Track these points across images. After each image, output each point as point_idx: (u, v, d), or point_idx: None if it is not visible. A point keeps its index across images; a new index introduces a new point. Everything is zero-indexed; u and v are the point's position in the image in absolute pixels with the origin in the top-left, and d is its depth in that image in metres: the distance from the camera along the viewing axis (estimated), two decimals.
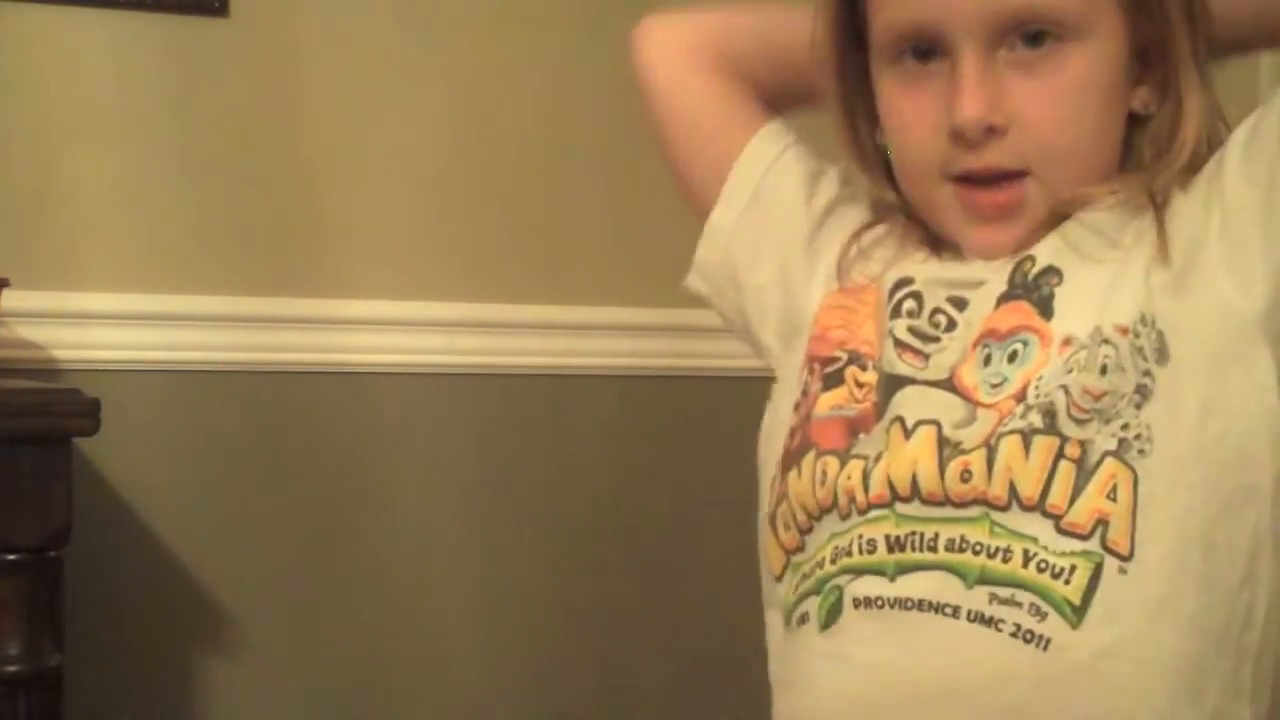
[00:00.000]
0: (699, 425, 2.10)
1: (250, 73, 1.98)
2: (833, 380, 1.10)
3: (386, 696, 2.03)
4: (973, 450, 1.02)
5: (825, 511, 1.07)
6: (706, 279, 1.25)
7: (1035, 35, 1.04)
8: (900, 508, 1.04)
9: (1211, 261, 1.04)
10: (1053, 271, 1.06)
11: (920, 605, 1.02)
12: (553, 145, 2.10)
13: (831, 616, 1.05)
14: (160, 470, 1.94)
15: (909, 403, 1.05)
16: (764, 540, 1.13)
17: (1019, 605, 0.99)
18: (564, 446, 2.10)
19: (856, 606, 1.04)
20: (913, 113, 1.08)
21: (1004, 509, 1.01)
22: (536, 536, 2.09)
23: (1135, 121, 1.10)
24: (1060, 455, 1.01)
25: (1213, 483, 1.02)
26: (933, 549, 1.02)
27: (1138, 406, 1.01)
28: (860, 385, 1.09)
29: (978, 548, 1.01)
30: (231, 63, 1.97)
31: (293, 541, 2.00)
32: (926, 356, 1.07)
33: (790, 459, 1.10)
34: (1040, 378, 1.03)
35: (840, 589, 1.04)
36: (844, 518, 1.06)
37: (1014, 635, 0.99)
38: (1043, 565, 1.00)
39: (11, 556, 1.46)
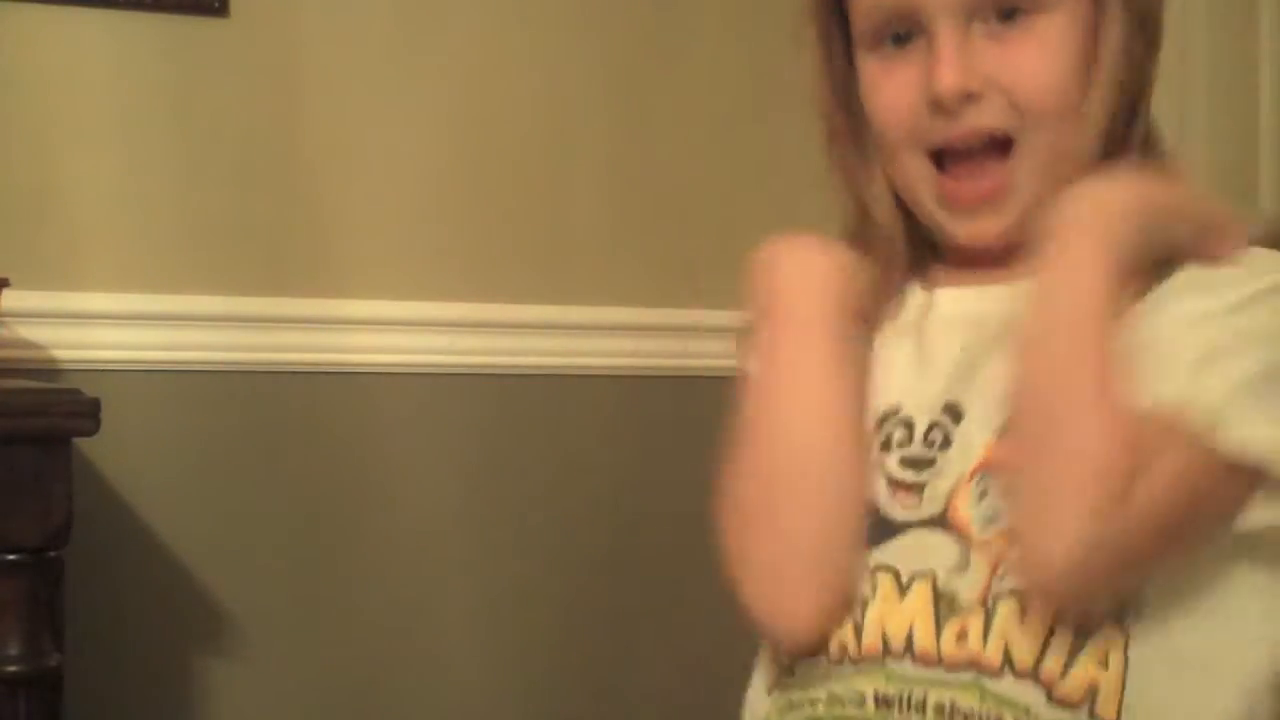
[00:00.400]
0: (699, 425, 2.09)
1: (250, 73, 1.98)
2: None
3: (386, 696, 2.03)
4: (969, 610, 1.01)
5: (813, 653, 1.05)
6: None
7: (1008, 11, 1.05)
8: (891, 664, 1.02)
9: None
10: None
11: None
12: (553, 145, 2.10)
13: None
14: (160, 470, 1.94)
15: (904, 554, 1.03)
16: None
17: None
18: (564, 446, 2.10)
19: None
20: (892, 90, 1.08)
21: (996, 675, 0.99)
22: (536, 536, 2.09)
23: None
24: (1056, 619, 0.99)
25: (1196, 645, 1.01)
26: (920, 711, 1.00)
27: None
28: None
29: (968, 713, 0.99)
30: (231, 63, 1.97)
31: (292, 541, 2.00)
32: (921, 488, 1.04)
33: None
34: None
35: None
36: (835, 663, 1.04)
37: None
38: None
39: (11, 556, 1.46)
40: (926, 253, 1.14)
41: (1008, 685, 0.99)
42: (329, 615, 2.01)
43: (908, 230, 1.13)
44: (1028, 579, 0.99)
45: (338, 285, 2.01)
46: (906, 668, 1.02)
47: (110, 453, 1.82)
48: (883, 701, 1.02)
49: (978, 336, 1.06)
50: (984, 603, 1.01)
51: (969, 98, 1.05)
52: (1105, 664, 0.99)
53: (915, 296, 1.12)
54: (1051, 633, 0.99)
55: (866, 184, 1.13)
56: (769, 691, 1.10)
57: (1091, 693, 0.99)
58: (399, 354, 2.03)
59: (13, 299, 1.76)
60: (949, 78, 1.04)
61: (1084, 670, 0.99)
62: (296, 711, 2.00)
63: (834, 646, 1.05)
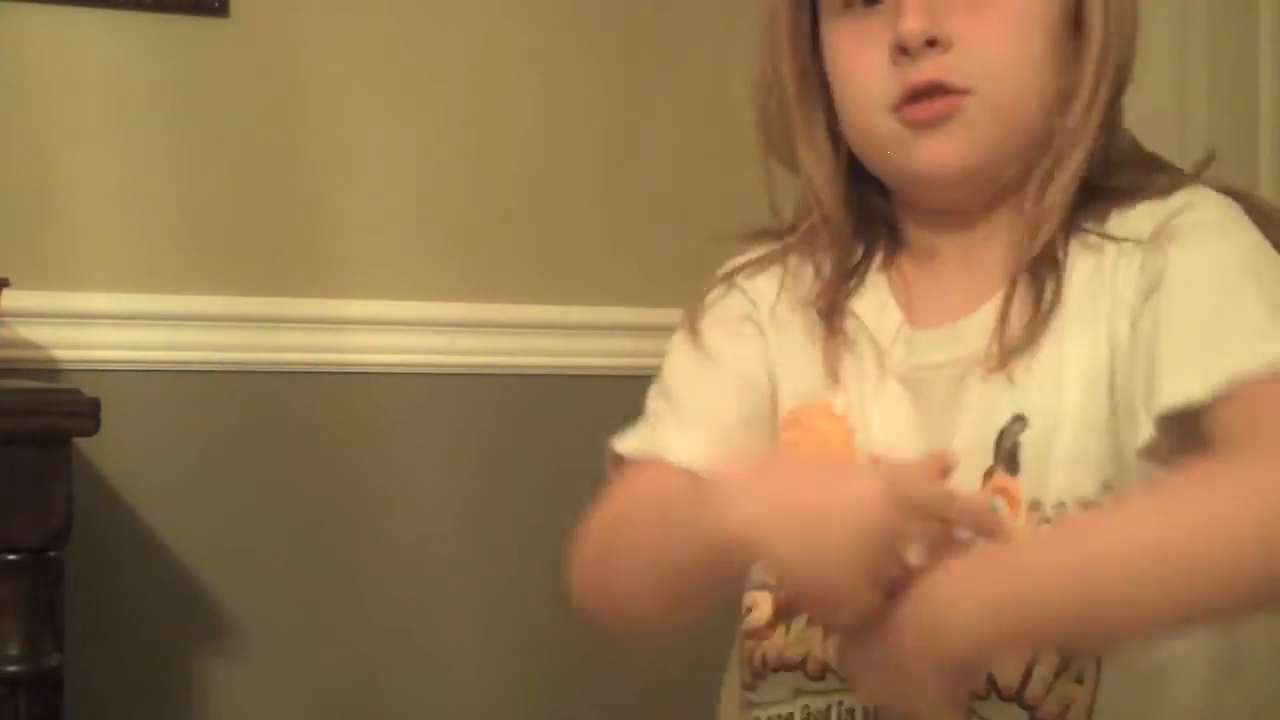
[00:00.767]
0: None
1: (250, 73, 1.98)
2: None
3: (386, 696, 2.03)
4: None
5: (788, 668, 1.05)
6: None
7: None
8: None
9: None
10: (1018, 420, 1.02)
11: None
12: (552, 145, 2.10)
13: None
14: (160, 470, 1.94)
15: None
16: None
17: None
18: (564, 446, 2.10)
19: None
20: (857, 53, 1.07)
21: (983, 698, 0.99)
22: (536, 536, 2.09)
23: None
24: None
25: (1158, 659, 1.00)
26: None
27: None
28: None
29: None
30: (231, 63, 1.97)
31: (292, 541, 1.99)
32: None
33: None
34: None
35: None
36: (813, 678, 1.04)
37: None
38: None
39: (11, 556, 1.46)
40: (890, 242, 1.12)
41: (992, 707, 0.99)
42: (329, 615, 2.01)
43: (869, 218, 1.12)
44: None
45: (338, 285, 2.01)
46: None
47: (110, 453, 1.82)
48: (870, 718, 1.02)
49: (957, 383, 1.04)
50: None
51: (931, 44, 1.03)
52: (1081, 681, 0.99)
53: (888, 309, 1.10)
54: (1033, 664, 0.99)
55: (814, 160, 1.12)
56: (737, 708, 1.10)
57: (1066, 709, 0.99)
58: (399, 354, 2.03)
59: (13, 299, 1.76)
60: (912, 21, 1.03)
61: (1061, 690, 0.99)
62: (296, 711, 2.00)
63: (813, 664, 1.04)
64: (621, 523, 1.05)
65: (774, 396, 1.11)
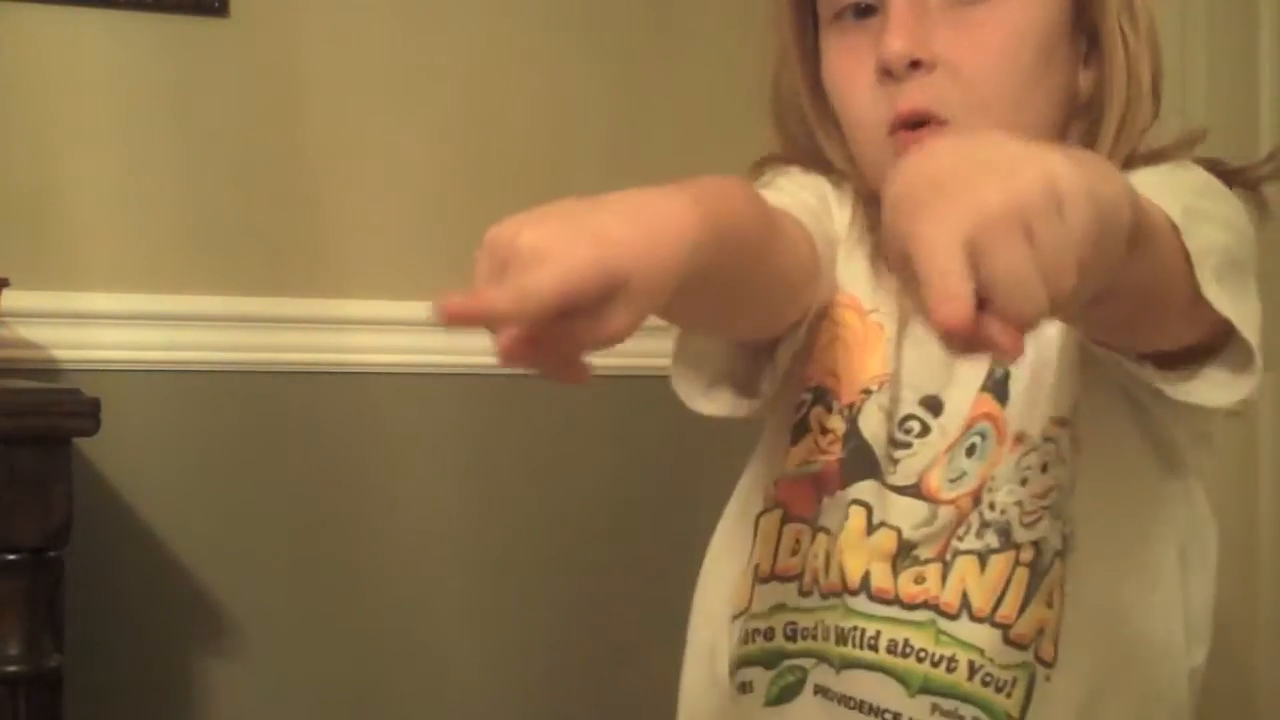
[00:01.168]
0: (698, 425, 2.09)
1: (250, 73, 1.98)
2: (799, 431, 1.08)
3: (386, 696, 2.03)
4: (928, 563, 1.01)
5: (781, 580, 1.06)
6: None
7: None
8: (850, 600, 1.03)
9: None
10: None
11: (861, 707, 1.01)
12: (552, 145, 2.10)
13: (785, 695, 1.04)
14: (160, 470, 1.94)
15: (876, 499, 1.04)
16: (739, 561, 1.10)
17: (961, 719, 0.99)
18: (564, 446, 2.10)
19: (815, 694, 1.03)
20: (848, 68, 1.07)
21: (953, 617, 1.00)
22: (535, 536, 2.09)
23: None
24: (1016, 563, 1.00)
25: (1123, 574, 1.02)
26: (873, 648, 1.01)
27: (1070, 499, 1.01)
28: (825, 431, 1.07)
29: (921, 654, 1.00)
30: (231, 63, 1.97)
31: (292, 541, 1.99)
32: (896, 462, 1.05)
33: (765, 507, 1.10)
34: (994, 478, 1.02)
35: (805, 671, 1.04)
36: (804, 594, 1.05)
37: None
38: (987, 679, 0.99)
39: (11, 556, 1.46)
40: None
41: (963, 627, 1.00)
42: (329, 615, 2.01)
43: None
44: None
45: (338, 285, 2.01)
46: (863, 602, 1.02)
47: (110, 453, 1.82)
48: (840, 637, 1.02)
49: None
50: (942, 558, 1.01)
51: (916, 66, 1.03)
52: (1050, 603, 1.00)
53: None
54: (1010, 577, 1.00)
55: (842, 155, 1.12)
56: (732, 619, 1.09)
57: (1039, 633, 1.00)
58: (399, 354, 2.03)
59: (13, 299, 1.76)
60: (895, 43, 1.03)
61: (1037, 610, 1.00)
62: (296, 711, 2.00)
63: (808, 577, 1.05)
64: None
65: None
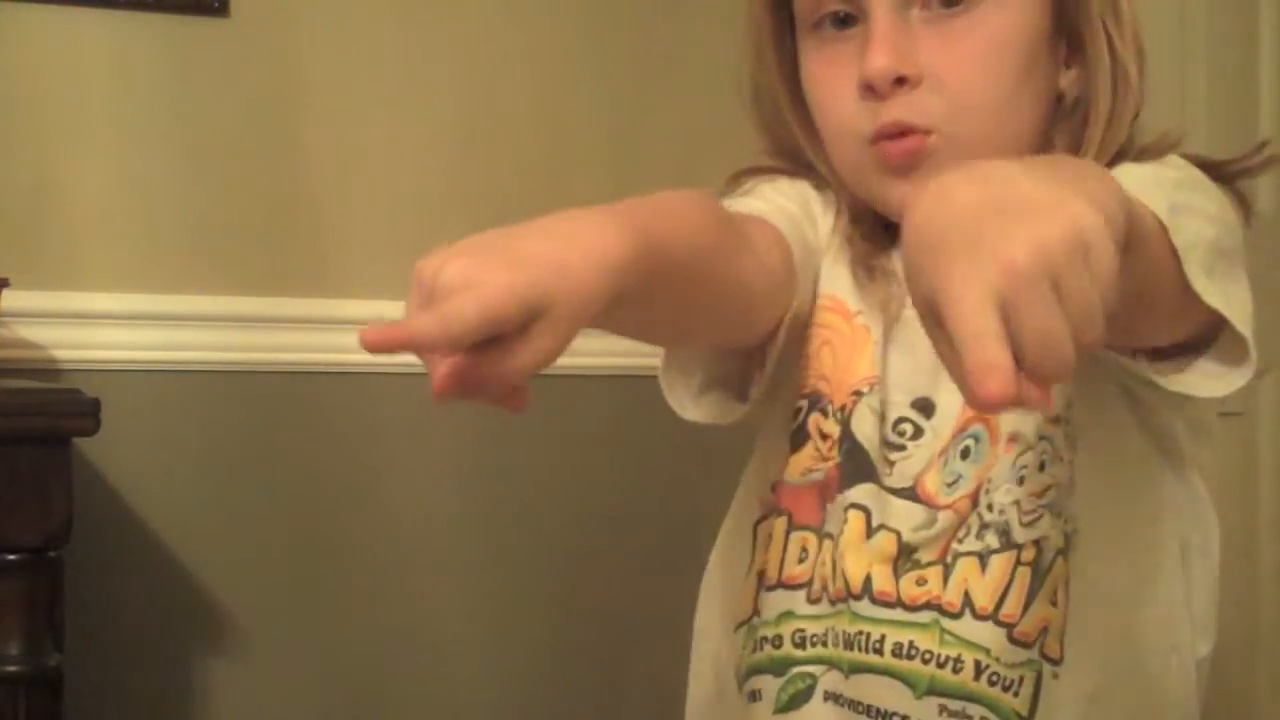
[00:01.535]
0: (699, 426, 2.09)
1: (250, 73, 1.98)
2: (798, 438, 1.08)
3: (386, 696, 2.03)
4: (929, 566, 1.02)
5: (788, 587, 1.06)
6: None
7: None
8: (854, 605, 1.03)
9: None
10: None
11: (870, 711, 1.01)
12: (553, 146, 2.10)
13: (795, 702, 1.04)
14: (160, 470, 1.94)
15: (874, 502, 1.04)
16: (740, 570, 1.10)
17: (969, 719, 0.99)
18: (563, 446, 2.10)
19: (825, 700, 1.03)
20: (829, 79, 1.06)
21: (956, 616, 1.00)
22: (535, 536, 2.09)
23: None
24: (1017, 563, 1.00)
25: (1126, 569, 1.02)
26: (879, 652, 1.01)
27: (1070, 496, 1.01)
28: (825, 437, 1.07)
29: (926, 656, 1.00)
30: (231, 63, 1.97)
31: (292, 541, 2.00)
32: (891, 464, 1.05)
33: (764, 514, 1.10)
34: (990, 480, 1.02)
35: (814, 678, 1.04)
36: (812, 601, 1.05)
37: None
38: (994, 678, 0.99)
39: (11, 556, 1.46)
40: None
41: (966, 626, 1.00)
42: (329, 615, 2.01)
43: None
44: None
45: (338, 285, 2.01)
46: (866, 605, 1.02)
47: (110, 453, 1.83)
48: (848, 642, 1.02)
49: None
50: (943, 561, 1.02)
51: (900, 82, 1.02)
52: (1054, 602, 1.00)
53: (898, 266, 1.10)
54: (1012, 576, 1.00)
55: (823, 159, 1.11)
56: (735, 629, 1.09)
57: (1044, 632, 1.00)
58: (399, 354, 2.02)
59: (13, 299, 1.76)
60: (879, 60, 1.02)
61: (1040, 608, 1.00)
62: (296, 711, 2.00)
63: (816, 585, 1.05)
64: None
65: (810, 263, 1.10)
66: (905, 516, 1.03)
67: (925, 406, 1.06)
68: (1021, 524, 1.01)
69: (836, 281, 1.10)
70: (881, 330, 1.07)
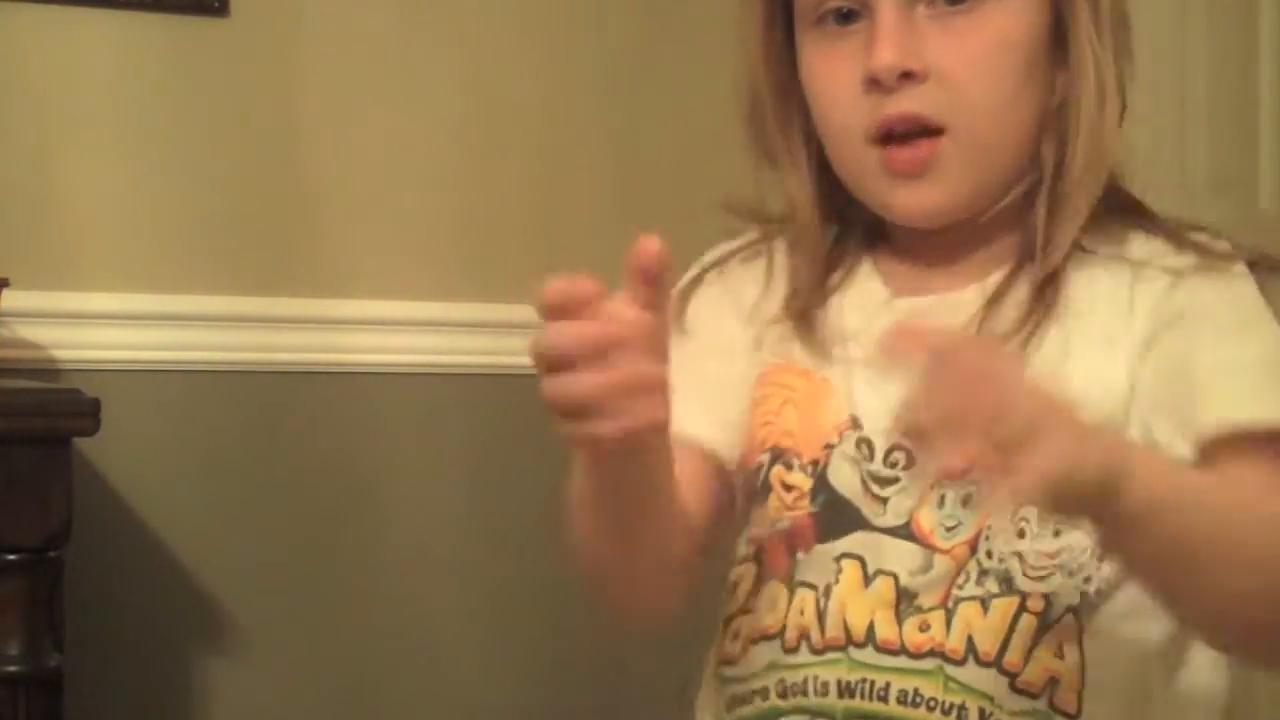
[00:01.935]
0: None
1: (250, 73, 1.98)
2: (762, 493, 1.08)
3: (386, 696, 2.03)
4: (931, 611, 1.01)
5: (766, 638, 1.06)
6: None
7: None
8: (854, 653, 1.02)
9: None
10: None
11: None
12: (553, 145, 2.10)
13: None
14: (160, 470, 1.93)
15: (869, 548, 1.03)
16: (738, 618, 1.10)
17: None
18: (564, 447, 2.10)
19: None
20: (832, 73, 1.06)
21: (959, 663, 1.00)
22: (535, 536, 2.09)
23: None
24: (1022, 609, 1.00)
25: (1159, 630, 1.02)
26: (883, 699, 1.00)
27: (1100, 560, 1.00)
28: (789, 488, 1.07)
29: (931, 703, 0.99)
30: (231, 63, 1.97)
31: (292, 541, 1.99)
32: (884, 500, 1.04)
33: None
34: (989, 527, 1.01)
35: None
36: (789, 651, 1.04)
37: None
38: None
39: (11, 556, 1.46)
40: (873, 235, 1.11)
41: (970, 673, 0.99)
42: (329, 615, 2.01)
43: (851, 217, 1.11)
44: None
45: (338, 285, 2.01)
46: (869, 654, 1.02)
47: (110, 453, 1.82)
48: (846, 690, 1.02)
49: None
50: (945, 605, 1.01)
51: (906, 77, 1.02)
52: (1061, 655, 1.00)
53: (873, 290, 1.10)
54: (1015, 622, 0.99)
55: (791, 169, 1.11)
56: (713, 683, 1.10)
57: (1052, 683, 0.99)
58: (399, 354, 2.03)
59: (13, 299, 1.76)
60: (886, 54, 1.02)
61: (1045, 660, 0.99)
62: (296, 711, 2.00)
63: (791, 633, 1.04)
64: None
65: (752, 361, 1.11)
66: (902, 558, 1.02)
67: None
68: (1027, 575, 1.00)
69: (790, 345, 1.10)
70: (842, 378, 1.07)
